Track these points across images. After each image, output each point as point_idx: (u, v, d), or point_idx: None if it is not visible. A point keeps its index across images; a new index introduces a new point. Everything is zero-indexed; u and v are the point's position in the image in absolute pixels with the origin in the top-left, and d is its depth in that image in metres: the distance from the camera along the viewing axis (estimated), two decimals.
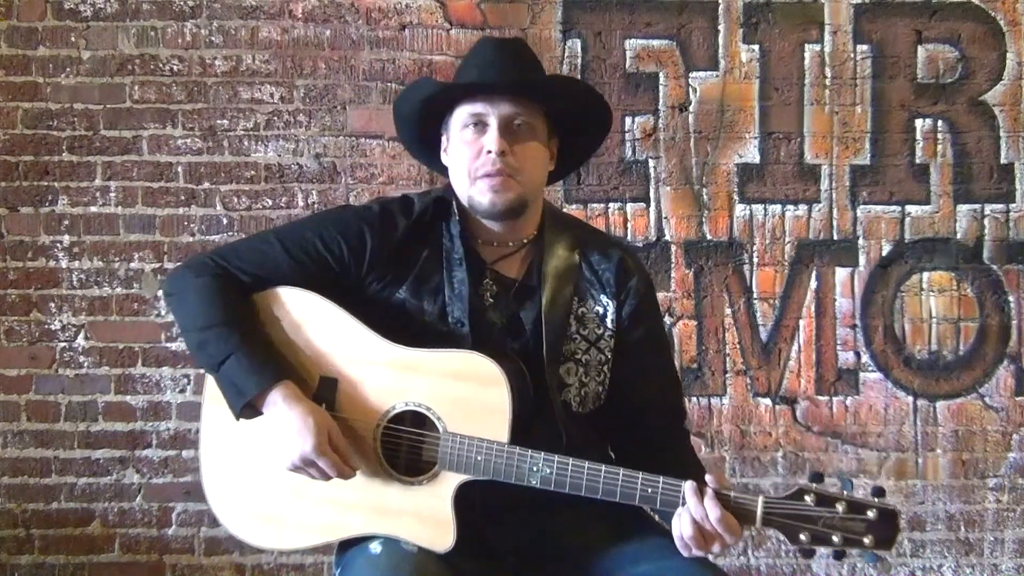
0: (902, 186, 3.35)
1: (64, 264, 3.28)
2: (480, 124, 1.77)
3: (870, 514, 1.54)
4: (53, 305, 3.28)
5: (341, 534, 1.78)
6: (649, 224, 3.33)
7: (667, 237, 3.33)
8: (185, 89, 3.29)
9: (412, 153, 2.03)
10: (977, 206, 3.35)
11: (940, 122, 3.35)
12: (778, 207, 3.34)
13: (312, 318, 1.80)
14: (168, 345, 3.28)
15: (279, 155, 3.29)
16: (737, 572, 3.30)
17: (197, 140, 3.29)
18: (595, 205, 3.31)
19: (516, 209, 1.80)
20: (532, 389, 1.76)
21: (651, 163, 3.32)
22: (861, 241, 3.34)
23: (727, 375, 3.33)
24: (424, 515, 1.71)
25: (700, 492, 1.60)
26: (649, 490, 1.63)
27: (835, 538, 1.55)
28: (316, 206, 3.27)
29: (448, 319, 1.79)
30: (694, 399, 3.30)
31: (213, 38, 3.29)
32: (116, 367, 3.29)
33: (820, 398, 3.33)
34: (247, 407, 1.74)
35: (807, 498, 1.56)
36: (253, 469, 1.81)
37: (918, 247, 3.35)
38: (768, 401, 3.33)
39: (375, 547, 1.71)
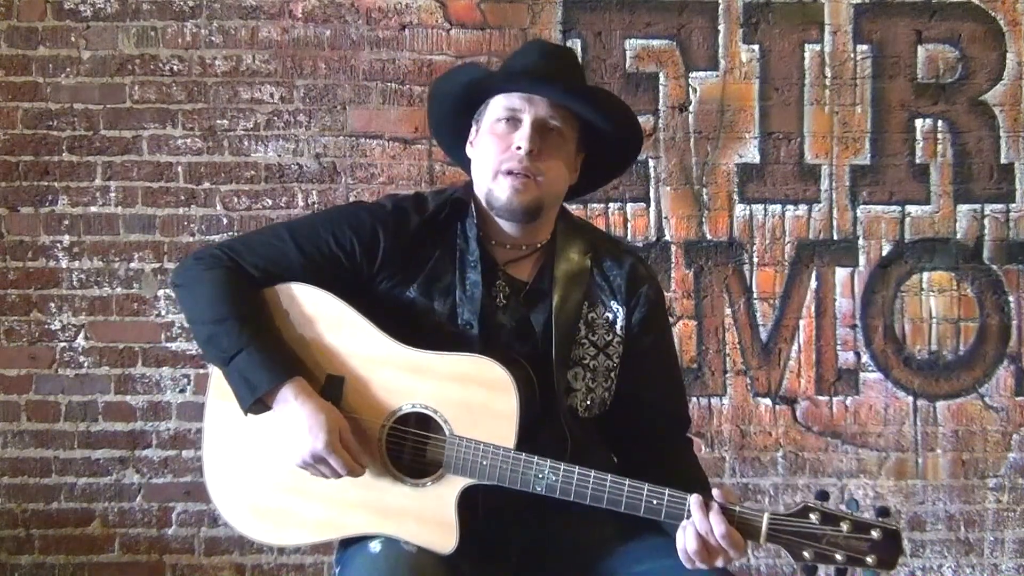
0: (902, 186, 3.35)
1: (64, 264, 3.28)
2: (514, 120, 1.77)
3: (874, 534, 1.54)
4: (53, 305, 3.28)
5: (342, 532, 1.77)
6: (649, 224, 3.33)
7: (667, 237, 3.33)
8: (185, 89, 3.29)
9: (437, 135, 2.00)
10: (977, 206, 3.35)
11: (940, 122, 3.35)
12: (778, 207, 3.34)
13: (321, 315, 1.79)
14: (168, 345, 3.28)
15: (279, 155, 3.29)
16: (737, 572, 3.30)
17: (197, 140, 3.29)
18: (595, 205, 3.31)
19: (532, 211, 1.79)
20: (539, 393, 1.75)
21: (651, 163, 3.32)
22: (861, 241, 3.34)
23: (727, 375, 3.33)
24: (427, 517, 1.71)
25: (706, 506, 1.60)
26: (654, 502, 1.63)
27: (838, 556, 1.55)
28: (316, 206, 3.27)
29: (458, 320, 1.79)
30: (694, 399, 3.30)
31: (213, 38, 3.29)
32: (116, 367, 3.28)
33: (820, 398, 3.33)
34: (257, 402, 1.73)
35: (812, 516, 1.57)
36: (256, 465, 1.81)
37: (918, 247, 3.35)
38: (768, 401, 3.33)
39: (374, 546, 1.71)
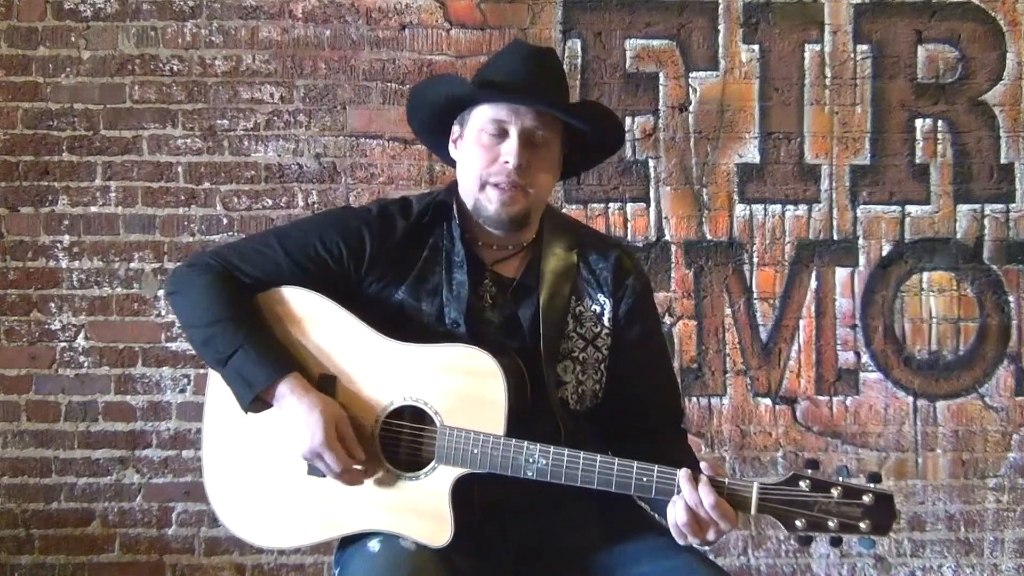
0: (902, 186, 3.35)
1: (64, 264, 3.28)
2: (500, 131, 1.77)
3: (866, 499, 1.54)
4: (53, 305, 3.28)
5: (341, 531, 1.78)
6: (649, 224, 3.33)
7: (667, 237, 3.33)
8: (185, 89, 3.29)
9: (419, 135, 2.02)
10: (977, 206, 3.35)
11: (940, 122, 3.35)
12: (778, 207, 3.34)
13: (310, 315, 1.81)
14: (168, 345, 3.28)
15: (279, 155, 3.29)
16: (737, 572, 3.30)
17: (197, 140, 3.29)
18: (595, 205, 3.31)
19: (520, 221, 1.81)
20: (530, 386, 1.76)
21: (651, 163, 3.32)
22: (861, 241, 3.34)
23: (727, 375, 3.33)
24: (421, 510, 1.71)
25: (694, 479, 1.60)
26: (644, 479, 1.63)
27: (831, 523, 1.54)
28: (316, 206, 3.27)
29: (445, 320, 1.80)
30: (694, 399, 3.30)
31: (213, 38, 3.29)
32: (116, 367, 3.29)
33: (820, 398, 3.33)
34: (256, 400, 1.74)
35: (802, 484, 1.56)
36: (254, 468, 1.82)
37: (918, 247, 3.35)
38: (768, 401, 3.33)
39: (374, 545, 1.71)
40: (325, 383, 1.78)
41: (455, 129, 1.86)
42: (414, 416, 1.75)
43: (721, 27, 3.33)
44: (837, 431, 3.33)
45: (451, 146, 1.88)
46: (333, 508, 1.76)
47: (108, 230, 3.29)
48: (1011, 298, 3.35)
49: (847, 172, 3.34)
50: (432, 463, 1.72)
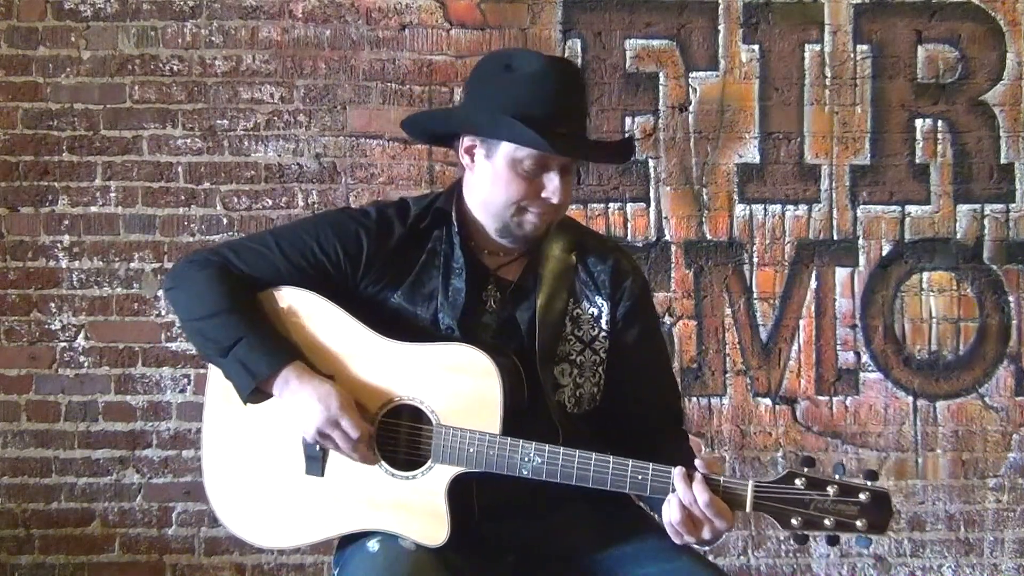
0: (902, 186, 3.34)
1: (64, 264, 3.28)
2: (541, 166, 1.74)
3: (862, 497, 1.52)
4: (53, 305, 3.28)
5: (339, 530, 1.78)
6: (649, 224, 3.33)
7: (667, 237, 3.33)
8: (185, 89, 3.29)
9: (420, 140, 2.06)
10: (977, 206, 3.35)
11: (940, 122, 3.35)
12: (778, 207, 3.34)
13: (308, 315, 1.81)
14: (168, 345, 3.28)
15: (279, 155, 3.29)
16: (737, 572, 3.30)
17: (197, 140, 3.29)
18: (595, 205, 3.31)
19: (543, 235, 1.83)
20: (527, 388, 1.76)
21: (651, 163, 3.32)
22: (861, 241, 3.34)
23: (727, 375, 3.33)
24: (419, 509, 1.71)
25: (689, 477, 1.60)
26: (639, 477, 1.64)
27: (827, 522, 1.53)
28: (316, 206, 3.27)
29: (440, 325, 1.80)
30: (694, 399, 3.30)
31: (213, 38, 3.29)
32: (116, 367, 3.28)
33: (820, 398, 3.33)
34: (256, 391, 1.74)
35: (797, 482, 1.55)
36: (254, 468, 1.82)
37: (918, 247, 3.35)
38: (768, 401, 3.33)
39: (373, 545, 1.71)
40: None
41: (468, 139, 1.80)
42: (411, 415, 1.75)
43: (721, 27, 3.33)
44: (837, 431, 3.33)
45: (462, 154, 1.83)
46: (332, 508, 1.76)
47: (108, 230, 3.29)
48: (1011, 298, 3.35)
49: (847, 172, 3.34)
50: (429, 462, 1.72)
